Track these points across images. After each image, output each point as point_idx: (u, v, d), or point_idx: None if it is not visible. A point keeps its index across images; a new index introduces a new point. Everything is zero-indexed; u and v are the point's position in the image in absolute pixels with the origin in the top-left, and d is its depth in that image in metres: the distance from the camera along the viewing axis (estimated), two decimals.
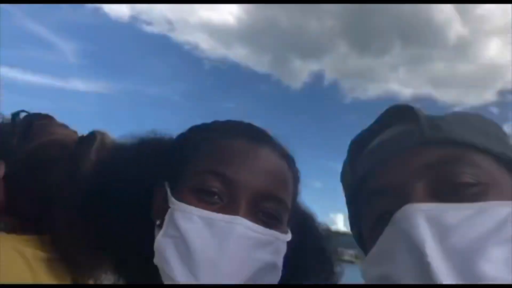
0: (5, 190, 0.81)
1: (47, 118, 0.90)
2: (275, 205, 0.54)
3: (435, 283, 0.37)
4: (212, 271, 0.48)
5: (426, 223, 0.40)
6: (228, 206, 0.52)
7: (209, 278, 0.48)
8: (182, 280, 0.49)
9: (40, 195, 0.81)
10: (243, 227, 0.50)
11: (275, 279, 0.55)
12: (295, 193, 0.62)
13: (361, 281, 0.49)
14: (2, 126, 0.87)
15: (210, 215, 0.51)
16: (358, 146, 0.54)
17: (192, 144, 0.59)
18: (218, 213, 0.51)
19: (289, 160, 0.61)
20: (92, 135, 0.86)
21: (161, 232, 0.53)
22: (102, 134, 0.87)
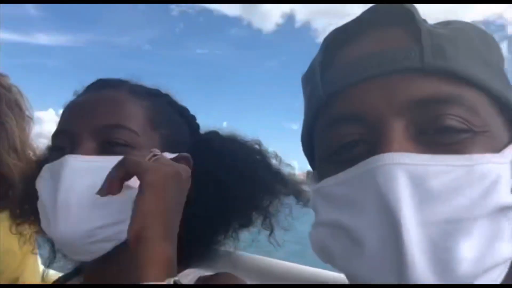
0: None
1: None
2: (117, 132, 0.57)
3: (404, 255, 0.32)
4: (54, 209, 0.53)
5: (406, 183, 0.33)
6: (72, 152, 0.56)
7: (54, 216, 0.53)
8: (44, 225, 0.56)
9: None
10: (72, 161, 0.54)
11: (130, 200, 0.52)
12: (158, 119, 0.63)
13: None
14: None
15: (49, 165, 0.57)
16: (334, 47, 0.43)
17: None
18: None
19: (141, 93, 0.64)
20: None
21: None
22: None
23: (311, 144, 0.46)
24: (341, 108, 0.40)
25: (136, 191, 0.47)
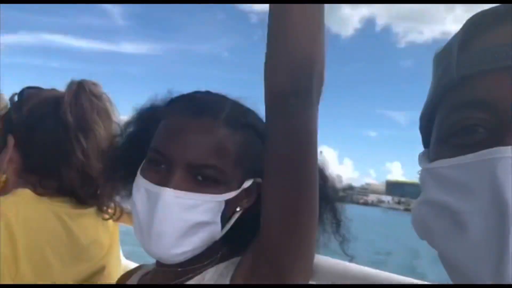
0: (21, 155, 0.95)
1: (36, 87, 1.02)
2: (209, 171, 0.63)
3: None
4: (149, 232, 0.62)
5: None
6: (167, 175, 0.64)
7: (149, 237, 0.62)
8: (137, 234, 0.65)
9: (45, 149, 0.93)
10: (168, 196, 0.62)
11: (211, 232, 0.65)
12: (245, 154, 0.67)
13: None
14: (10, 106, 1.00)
15: (148, 186, 0.64)
16: (476, 30, 0.42)
17: (152, 124, 0.71)
18: (160, 181, 0.63)
19: (236, 125, 0.67)
20: (72, 84, 0.97)
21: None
22: (81, 83, 0.97)
23: (430, 122, 0.46)
24: (472, 92, 0.39)
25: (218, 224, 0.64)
